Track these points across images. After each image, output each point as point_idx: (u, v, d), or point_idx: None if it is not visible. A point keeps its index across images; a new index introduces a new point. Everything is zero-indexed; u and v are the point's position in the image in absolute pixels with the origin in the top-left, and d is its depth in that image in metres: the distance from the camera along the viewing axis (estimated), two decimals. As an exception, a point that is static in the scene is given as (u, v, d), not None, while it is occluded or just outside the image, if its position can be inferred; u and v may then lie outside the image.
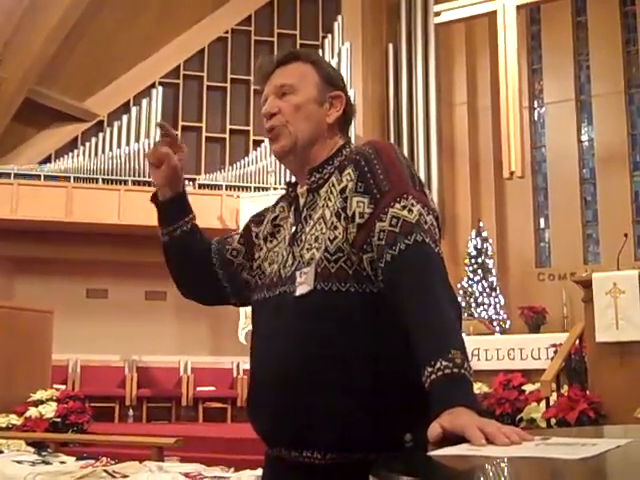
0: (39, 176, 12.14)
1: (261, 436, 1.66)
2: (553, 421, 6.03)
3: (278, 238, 1.78)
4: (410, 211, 1.50)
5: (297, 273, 1.61)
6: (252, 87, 12.70)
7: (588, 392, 6.06)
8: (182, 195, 1.93)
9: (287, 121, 1.71)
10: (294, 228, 1.70)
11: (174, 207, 1.93)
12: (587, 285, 6.11)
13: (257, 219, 1.90)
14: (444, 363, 1.33)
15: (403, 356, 1.49)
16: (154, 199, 1.94)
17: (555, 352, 7.20)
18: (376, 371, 1.52)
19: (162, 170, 1.88)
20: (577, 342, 6.67)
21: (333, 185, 1.64)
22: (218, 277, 1.90)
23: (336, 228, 1.58)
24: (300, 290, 1.58)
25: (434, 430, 1.25)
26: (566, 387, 6.43)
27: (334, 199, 1.62)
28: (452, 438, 1.22)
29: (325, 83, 1.75)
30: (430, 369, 1.34)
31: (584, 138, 13.74)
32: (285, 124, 1.71)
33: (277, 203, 1.85)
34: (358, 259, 1.55)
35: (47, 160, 12.76)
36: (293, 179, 1.82)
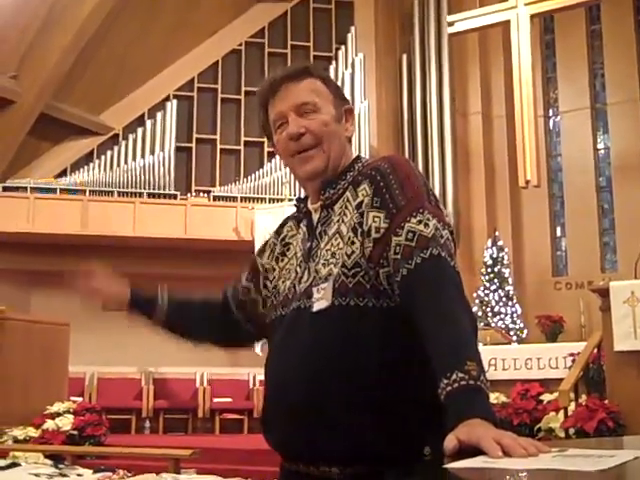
0: (55, 189, 12.20)
1: (278, 451, 1.66)
2: (572, 431, 5.98)
3: (288, 255, 1.77)
4: (426, 225, 1.51)
5: (314, 289, 1.61)
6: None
7: (607, 401, 6.01)
8: (137, 294, 2.00)
9: (319, 141, 1.69)
10: (309, 244, 1.69)
11: (142, 304, 2.00)
12: (605, 294, 6.06)
13: (260, 250, 1.90)
14: (460, 375, 1.33)
15: (419, 370, 1.49)
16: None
17: (573, 361, 7.15)
18: (393, 386, 1.52)
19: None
20: (595, 351, 6.62)
21: (348, 200, 1.64)
22: (238, 321, 1.91)
23: (353, 243, 1.58)
24: (318, 306, 1.59)
25: (450, 442, 1.24)
26: (584, 397, 6.38)
27: (350, 214, 1.62)
28: (468, 450, 1.21)
29: (338, 99, 1.75)
30: (446, 381, 1.34)
31: (600, 146, 13.69)
32: (318, 144, 1.69)
33: (283, 225, 1.85)
34: (375, 274, 1.55)
35: (63, 174, 12.83)
36: (302, 193, 1.82)
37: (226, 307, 1.92)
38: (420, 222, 1.51)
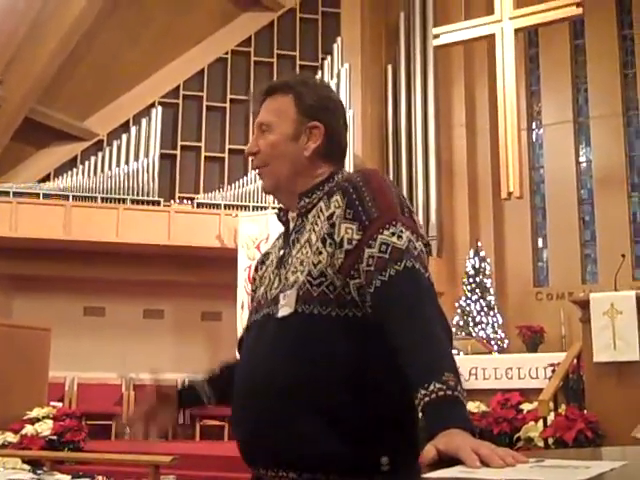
0: (38, 194, 12.16)
1: (241, 455, 1.68)
2: (551, 440, 6.01)
3: (266, 263, 1.80)
4: (399, 237, 1.51)
5: (281, 295, 1.62)
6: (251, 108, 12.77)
7: (586, 412, 6.05)
8: (190, 396, 2.01)
9: (265, 161, 1.74)
10: (282, 251, 1.72)
11: (196, 399, 2.00)
12: (585, 305, 6.11)
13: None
14: (437, 385, 1.33)
15: (382, 381, 1.52)
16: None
17: (553, 371, 7.18)
18: (354, 395, 1.52)
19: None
20: (575, 362, 6.66)
21: (321, 210, 1.64)
22: None
23: (320, 253, 1.59)
24: (282, 312, 1.60)
25: (428, 452, 1.25)
26: (564, 406, 6.42)
27: (321, 224, 1.62)
28: (446, 460, 1.21)
29: (303, 115, 1.74)
30: (424, 391, 1.34)
31: (582, 159, 13.80)
32: (265, 164, 1.74)
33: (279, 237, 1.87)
34: (342, 284, 1.55)
35: (46, 179, 12.80)
36: None
37: None
38: (393, 234, 1.51)
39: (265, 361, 1.59)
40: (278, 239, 1.84)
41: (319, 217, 1.64)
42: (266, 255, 1.83)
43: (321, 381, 1.53)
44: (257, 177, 1.79)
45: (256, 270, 1.85)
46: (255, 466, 1.63)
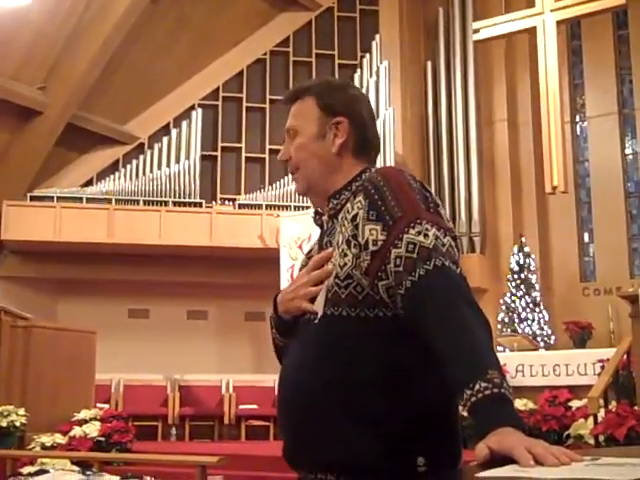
0: (81, 199, 12.30)
1: (284, 458, 1.69)
2: (601, 438, 5.91)
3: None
4: (426, 236, 1.49)
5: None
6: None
7: (637, 408, 5.94)
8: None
9: (296, 165, 1.77)
10: (316, 254, 1.73)
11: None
12: (634, 300, 6.00)
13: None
14: (483, 384, 1.31)
15: (416, 380, 1.51)
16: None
17: (602, 368, 7.08)
18: (388, 396, 1.52)
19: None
20: (625, 357, 6.55)
21: (347, 211, 1.65)
22: None
23: (346, 255, 1.59)
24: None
25: (481, 451, 1.23)
26: (614, 403, 6.31)
27: (347, 226, 1.62)
28: (499, 459, 1.19)
29: (326, 113, 1.76)
30: (469, 392, 1.32)
31: (628, 152, 13.58)
32: (296, 169, 1.77)
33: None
34: (370, 285, 1.55)
35: (89, 183, 12.93)
36: None
37: None
38: (419, 233, 1.50)
39: (297, 366, 1.62)
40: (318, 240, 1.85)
41: (345, 219, 1.64)
42: (309, 255, 1.83)
43: (353, 382, 1.53)
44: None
45: (300, 271, 1.85)
46: (297, 469, 1.64)
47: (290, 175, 1.81)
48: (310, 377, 1.56)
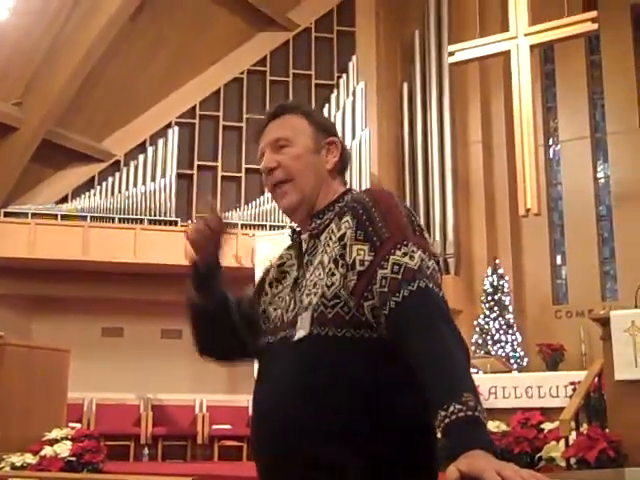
0: (56, 215, 12.23)
1: (259, 477, 1.67)
2: (573, 460, 5.94)
3: (284, 284, 1.79)
4: (411, 257, 1.51)
5: (298, 318, 1.62)
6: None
7: (608, 431, 5.98)
8: (220, 267, 1.90)
9: (290, 174, 1.73)
10: (296, 273, 1.72)
11: (214, 277, 1.89)
12: (605, 323, 6.06)
13: (267, 269, 1.90)
14: (457, 407, 1.32)
15: (401, 403, 1.52)
16: (194, 265, 1.89)
17: (574, 390, 7.12)
18: (372, 418, 1.52)
19: (202, 247, 1.86)
20: (596, 380, 6.60)
21: (332, 232, 1.65)
22: (243, 333, 1.88)
23: (333, 275, 1.59)
24: (297, 335, 1.60)
25: (452, 473, 1.24)
26: (585, 426, 6.35)
27: (332, 245, 1.63)
28: None
29: (318, 131, 1.77)
30: (444, 413, 1.33)
31: (600, 175, 13.74)
32: (289, 178, 1.73)
33: (288, 248, 1.86)
34: (356, 305, 1.55)
35: (64, 200, 12.86)
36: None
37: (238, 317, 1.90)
38: (405, 254, 1.51)
39: (282, 385, 1.59)
40: (284, 252, 1.84)
41: (330, 239, 1.65)
42: (283, 273, 1.81)
43: (337, 405, 1.53)
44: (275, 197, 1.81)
45: (270, 285, 1.82)
46: None
47: (275, 187, 1.75)
48: (293, 397, 1.55)
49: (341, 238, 1.61)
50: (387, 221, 1.57)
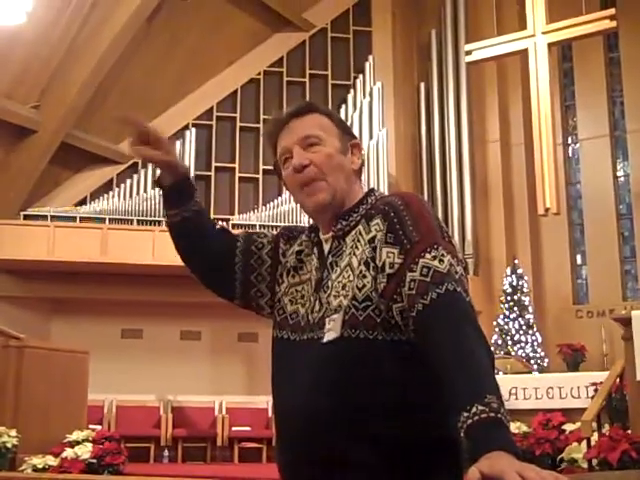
0: (75, 218, 12.29)
1: (282, 476, 1.66)
2: (595, 462, 5.90)
3: (302, 277, 1.76)
4: (441, 261, 1.51)
5: (326, 320, 1.61)
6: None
7: (630, 431, 5.93)
8: (187, 179, 1.93)
9: (322, 173, 1.70)
10: (319, 274, 1.70)
11: (183, 189, 1.91)
12: (627, 323, 6.00)
13: (288, 235, 1.87)
14: (480, 408, 1.31)
15: (432, 406, 1.50)
16: (159, 183, 1.94)
17: (595, 391, 7.07)
18: (404, 421, 1.52)
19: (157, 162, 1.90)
20: (618, 380, 6.54)
21: (360, 234, 1.65)
22: (234, 264, 1.88)
23: (365, 277, 1.59)
24: (327, 337, 1.59)
25: (473, 474, 1.23)
26: (607, 427, 6.30)
27: (362, 248, 1.62)
28: None
29: (344, 133, 1.76)
30: (466, 414, 1.32)
31: (619, 174, 13.65)
32: (322, 176, 1.70)
33: (299, 234, 1.84)
34: (386, 308, 1.55)
35: (83, 202, 12.92)
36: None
37: (231, 251, 1.90)
38: (435, 258, 1.51)
39: (312, 388, 1.58)
40: (297, 237, 1.83)
41: (359, 241, 1.64)
42: (301, 263, 1.78)
43: (368, 407, 1.52)
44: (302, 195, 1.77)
45: (288, 273, 1.79)
46: None
47: (306, 186, 1.70)
48: (324, 400, 1.54)
49: (371, 240, 1.61)
50: (418, 224, 1.57)
